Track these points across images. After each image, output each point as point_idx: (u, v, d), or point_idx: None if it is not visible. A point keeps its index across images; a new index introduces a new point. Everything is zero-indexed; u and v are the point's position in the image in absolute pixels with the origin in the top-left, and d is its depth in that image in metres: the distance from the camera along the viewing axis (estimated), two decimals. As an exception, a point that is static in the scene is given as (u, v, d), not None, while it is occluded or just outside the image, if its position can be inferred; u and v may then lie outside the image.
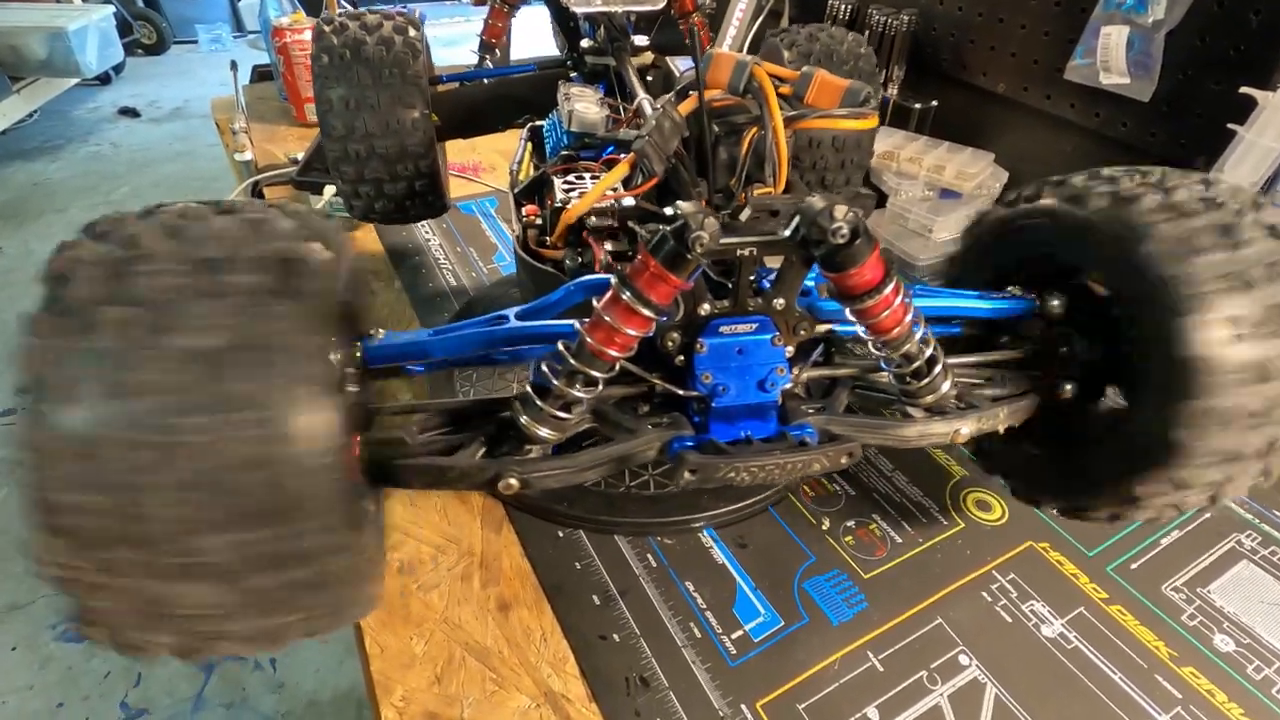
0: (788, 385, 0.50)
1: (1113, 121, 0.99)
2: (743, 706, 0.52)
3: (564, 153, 0.70)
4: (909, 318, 0.47)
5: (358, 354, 0.46)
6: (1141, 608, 0.59)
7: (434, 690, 0.52)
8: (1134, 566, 0.62)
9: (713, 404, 0.48)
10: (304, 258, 0.35)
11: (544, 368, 0.46)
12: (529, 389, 0.46)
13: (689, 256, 0.41)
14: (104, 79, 4.25)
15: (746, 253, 0.46)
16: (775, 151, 0.58)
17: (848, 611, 0.58)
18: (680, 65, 0.88)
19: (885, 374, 0.52)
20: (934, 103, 1.18)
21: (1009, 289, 0.59)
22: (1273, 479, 0.51)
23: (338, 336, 0.36)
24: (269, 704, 1.41)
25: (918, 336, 0.48)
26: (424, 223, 1.10)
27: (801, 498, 0.68)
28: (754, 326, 0.49)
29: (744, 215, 0.50)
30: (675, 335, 0.48)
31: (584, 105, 0.70)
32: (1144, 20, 0.89)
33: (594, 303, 0.44)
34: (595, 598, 0.58)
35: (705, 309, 0.48)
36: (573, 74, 0.90)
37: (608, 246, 0.58)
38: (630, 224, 0.58)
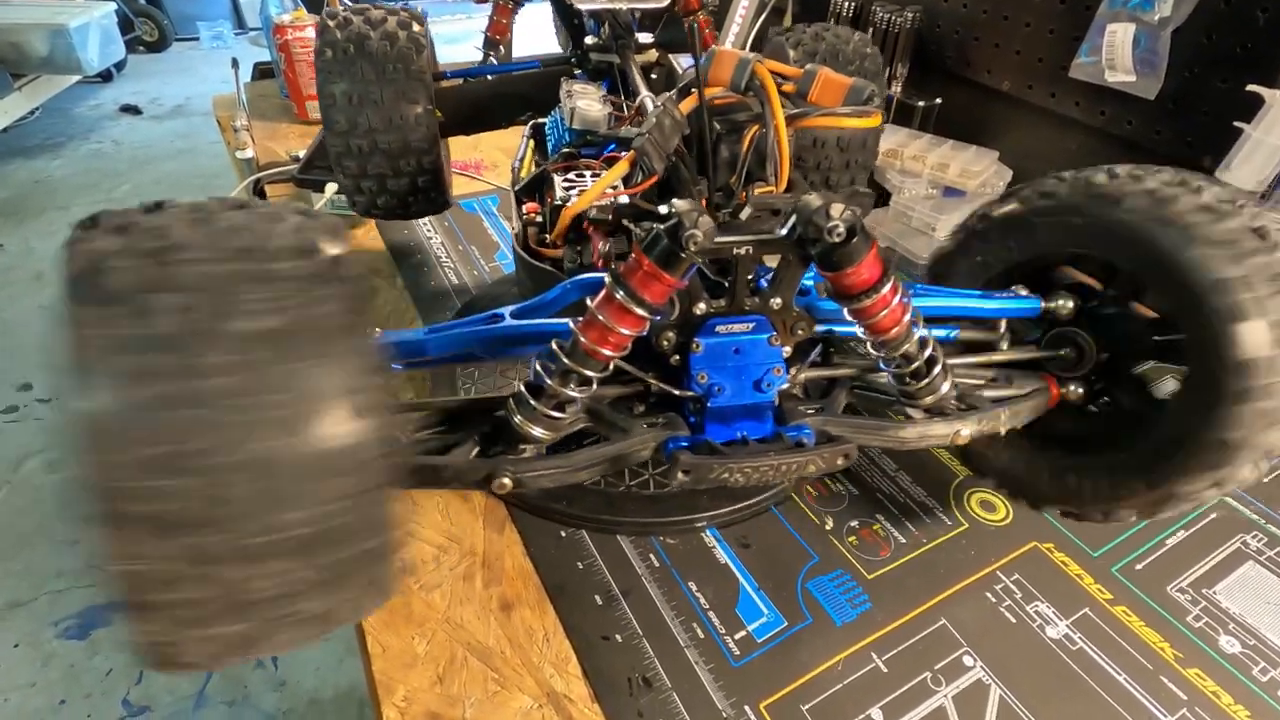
0: (785, 385, 0.49)
1: (1118, 119, 0.99)
2: (746, 707, 0.51)
3: (565, 150, 0.69)
4: (907, 317, 0.47)
5: None
6: (1147, 609, 0.58)
7: (436, 690, 0.52)
8: (1139, 567, 0.62)
9: (708, 404, 0.48)
10: (336, 247, 0.36)
11: (538, 367, 0.45)
12: (523, 388, 0.46)
13: (683, 255, 0.41)
14: (105, 76, 4.25)
15: (743, 251, 0.45)
16: (777, 150, 0.58)
17: (851, 612, 0.58)
18: (683, 63, 0.87)
19: (885, 374, 0.51)
20: (938, 100, 1.18)
21: (1014, 288, 0.59)
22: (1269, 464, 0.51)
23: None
24: (270, 702, 1.41)
25: (916, 337, 0.48)
26: (426, 220, 1.10)
27: (804, 497, 0.67)
28: (751, 326, 0.49)
29: (744, 214, 0.50)
30: (671, 334, 0.48)
31: (586, 102, 0.70)
32: (1150, 17, 0.89)
33: (588, 301, 0.44)
34: (598, 598, 0.58)
35: (701, 308, 0.48)
36: (576, 71, 0.90)
37: (603, 247, 0.58)
38: (625, 222, 0.58)
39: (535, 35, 1.64)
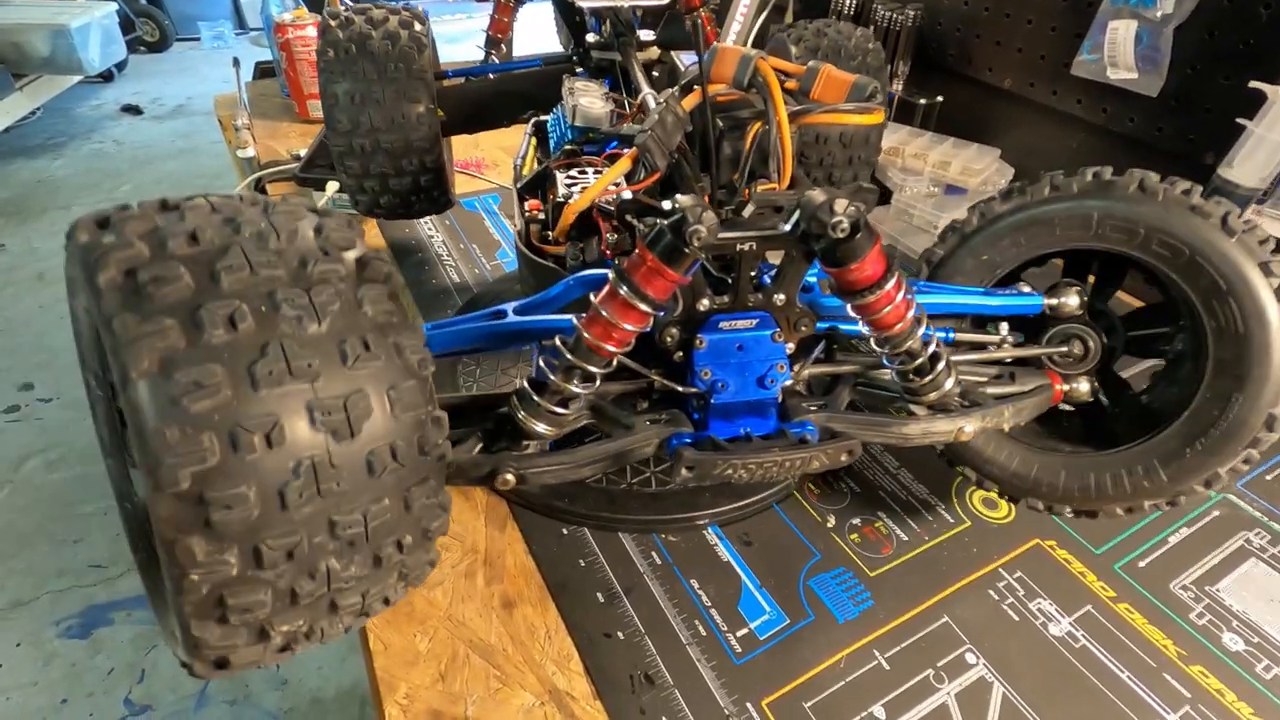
0: (788, 382, 0.49)
1: (1120, 117, 0.99)
2: (748, 705, 0.51)
3: (567, 147, 0.69)
4: (911, 314, 0.46)
5: None
6: (1150, 606, 0.58)
7: (438, 688, 0.52)
8: (1142, 564, 0.62)
9: (712, 400, 0.48)
10: (360, 247, 0.37)
11: (541, 363, 0.45)
12: (526, 384, 0.46)
13: (686, 251, 0.40)
14: (107, 76, 4.26)
15: (746, 247, 0.45)
16: (780, 146, 0.58)
17: (853, 609, 0.58)
18: (685, 60, 0.87)
19: (888, 371, 0.51)
20: (939, 98, 1.18)
21: (1017, 285, 0.59)
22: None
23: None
24: (272, 700, 1.41)
25: (920, 333, 0.47)
26: (427, 219, 1.10)
27: (807, 495, 0.67)
28: (754, 322, 0.49)
29: (747, 211, 0.50)
30: (674, 331, 0.48)
31: (588, 100, 0.70)
32: (1152, 14, 0.89)
33: (592, 298, 0.44)
34: (599, 595, 0.58)
35: (704, 304, 0.48)
36: (578, 69, 0.90)
37: (611, 237, 0.58)
38: (628, 218, 0.58)
39: (537, 34, 1.64)
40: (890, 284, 0.44)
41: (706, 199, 0.56)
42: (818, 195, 0.41)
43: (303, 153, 1.20)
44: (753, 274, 0.48)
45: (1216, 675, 0.54)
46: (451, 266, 1.00)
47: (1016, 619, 0.57)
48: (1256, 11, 0.83)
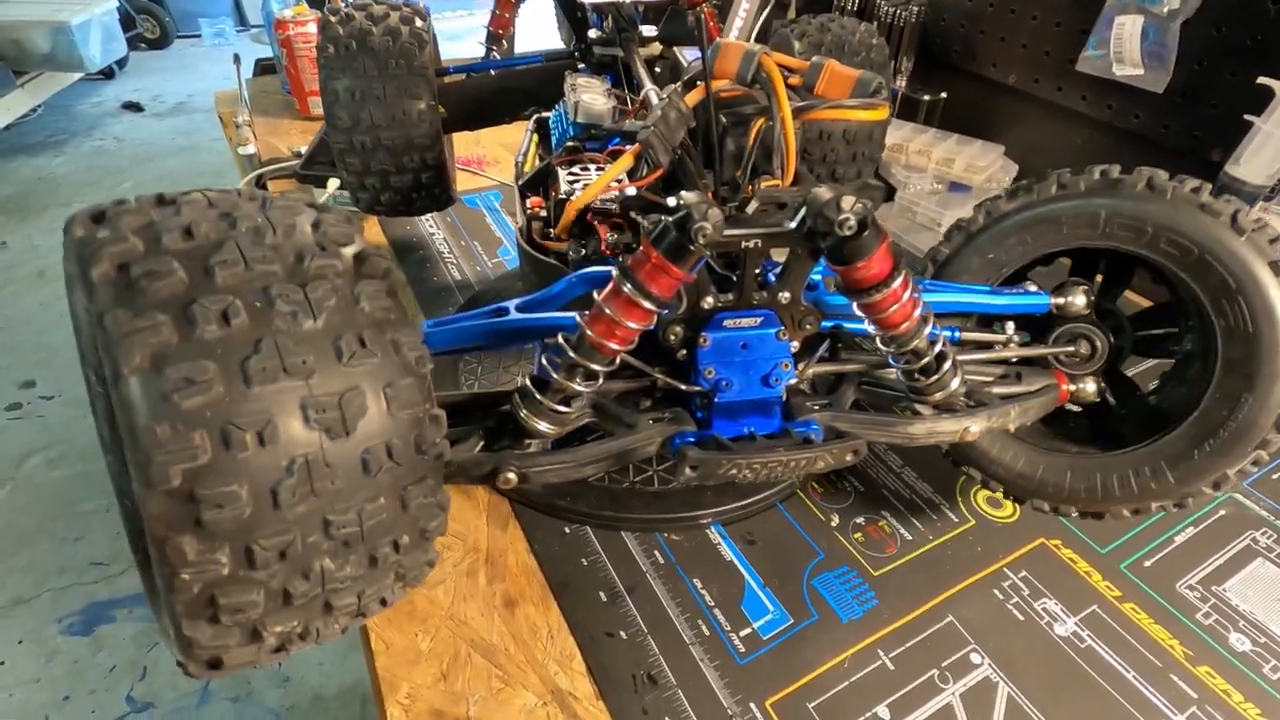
0: (793, 381, 0.49)
1: (1125, 113, 0.98)
2: (752, 705, 0.51)
3: (569, 144, 0.69)
4: (918, 313, 0.46)
5: None
6: (1156, 606, 0.58)
7: (440, 687, 0.52)
8: (1148, 564, 0.61)
9: (715, 399, 0.47)
10: (357, 242, 0.36)
11: (544, 361, 0.45)
12: (528, 382, 0.45)
13: (691, 248, 0.40)
14: (107, 73, 4.26)
15: (751, 245, 0.45)
16: (783, 142, 0.57)
17: (858, 609, 0.57)
18: (688, 56, 0.87)
19: (893, 370, 0.51)
20: (943, 95, 1.17)
21: (1023, 284, 0.58)
22: None
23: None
24: (274, 698, 1.41)
25: (926, 332, 0.47)
26: (428, 216, 1.09)
27: (810, 494, 0.67)
28: (758, 320, 0.48)
29: (750, 207, 0.50)
30: (678, 329, 0.48)
31: (591, 96, 0.69)
32: (1159, 10, 0.88)
33: (595, 295, 0.43)
34: (602, 594, 0.58)
35: (709, 302, 0.47)
36: (580, 65, 0.90)
37: (610, 237, 0.58)
38: (633, 214, 0.57)
39: (538, 30, 1.64)
40: (897, 282, 0.44)
41: (710, 196, 0.56)
42: (824, 192, 0.41)
43: (304, 149, 1.19)
44: (757, 272, 0.47)
45: (1223, 675, 0.53)
46: (453, 264, 0.99)
47: (1021, 619, 0.57)
48: (1265, 6, 0.82)
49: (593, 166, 0.65)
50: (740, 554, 0.61)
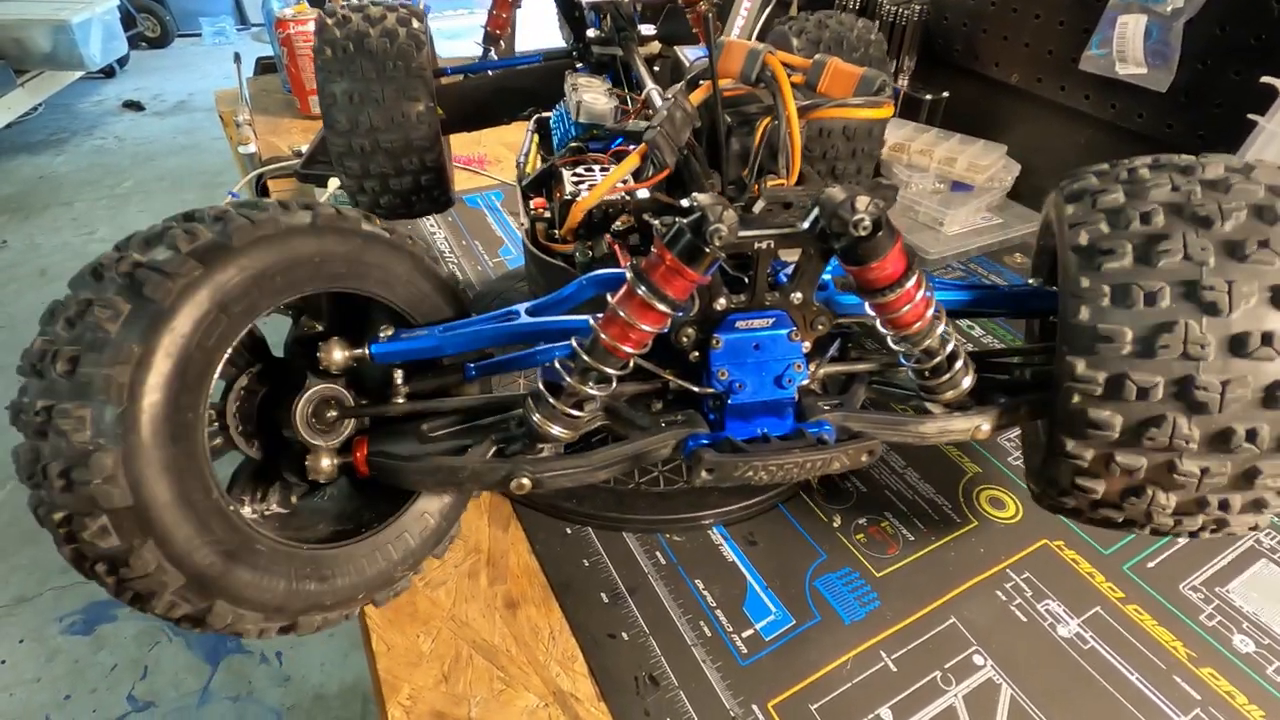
0: (805, 381, 0.49)
1: (1128, 113, 0.98)
2: (754, 706, 0.51)
3: (572, 144, 0.69)
4: (930, 312, 0.46)
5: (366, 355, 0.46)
6: (1159, 607, 0.58)
7: (441, 689, 0.52)
8: (1151, 565, 0.61)
9: (729, 401, 0.47)
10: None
11: (557, 365, 0.45)
12: (541, 386, 0.45)
13: (707, 250, 0.40)
14: (108, 72, 4.26)
15: (764, 246, 0.45)
16: (789, 142, 0.57)
17: (860, 610, 0.57)
18: (689, 55, 0.86)
19: (904, 369, 0.51)
20: (945, 94, 1.17)
21: (1029, 281, 0.58)
22: None
23: None
24: (275, 697, 1.41)
25: (939, 331, 0.47)
26: (429, 216, 1.09)
27: (812, 495, 0.67)
28: (771, 321, 0.48)
29: (757, 207, 0.49)
30: (690, 331, 0.47)
31: (592, 96, 0.69)
32: (1162, 9, 0.88)
33: (608, 298, 0.43)
34: (604, 595, 0.58)
35: (721, 304, 0.47)
36: (579, 65, 0.89)
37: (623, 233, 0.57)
38: (646, 217, 0.57)
39: (537, 29, 1.63)
40: (911, 282, 0.44)
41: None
42: (838, 193, 0.41)
43: (304, 148, 1.19)
44: (768, 272, 0.47)
45: (1227, 677, 0.53)
46: (454, 264, 0.99)
47: (1024, 620, 0.57)
48: (1268, 6, 0.82)
49: (597, 167, 0.65)
50: (742, 555, 0.61)
